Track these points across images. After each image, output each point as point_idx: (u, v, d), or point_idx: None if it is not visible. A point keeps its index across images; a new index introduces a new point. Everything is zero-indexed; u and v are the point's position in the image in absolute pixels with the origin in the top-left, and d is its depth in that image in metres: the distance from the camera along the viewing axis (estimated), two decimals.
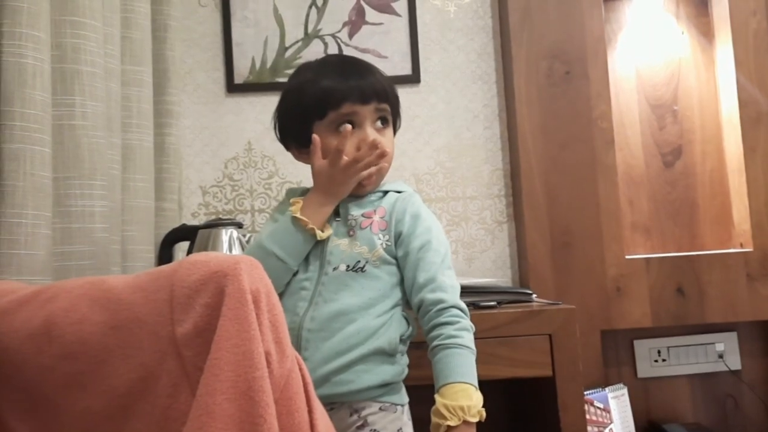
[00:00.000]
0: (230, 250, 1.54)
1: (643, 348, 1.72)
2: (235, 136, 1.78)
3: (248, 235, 1.65)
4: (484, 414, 0.92)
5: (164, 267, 0.67)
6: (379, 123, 1.07)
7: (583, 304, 1.64)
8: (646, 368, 1.72)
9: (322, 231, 1.03)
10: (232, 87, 1.77)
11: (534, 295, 1.46)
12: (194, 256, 0.65)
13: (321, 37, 1.78)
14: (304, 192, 1.11)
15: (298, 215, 1.02)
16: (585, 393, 1.53)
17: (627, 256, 1.70)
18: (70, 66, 1.17)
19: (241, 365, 0.56)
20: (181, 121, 1.69)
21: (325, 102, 1.03)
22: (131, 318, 0.66)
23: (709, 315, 1.67)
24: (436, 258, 1.01)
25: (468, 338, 0.97)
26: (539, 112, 1.72)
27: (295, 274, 1.04)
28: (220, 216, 1.73)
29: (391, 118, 1.10)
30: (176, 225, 1.56)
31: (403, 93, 1.79)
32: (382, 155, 1.04)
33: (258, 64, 1.77)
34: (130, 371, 0.65)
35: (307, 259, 1.04)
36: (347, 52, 1.77)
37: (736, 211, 1.76)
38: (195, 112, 1.78)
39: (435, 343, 0.96)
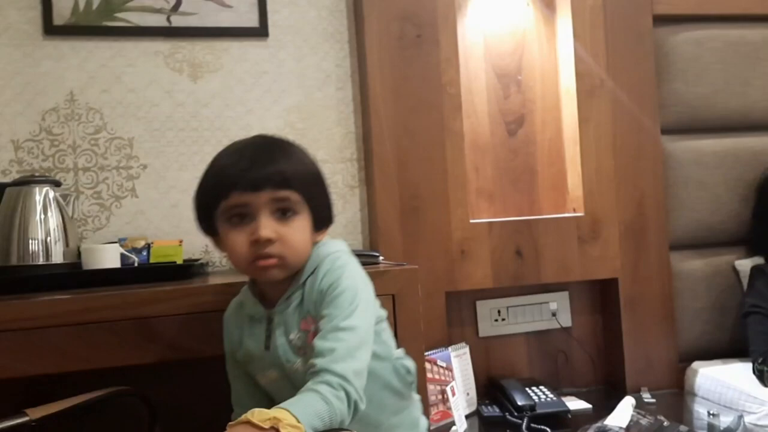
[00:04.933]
0: (45, 212, 1.36)
1: (484, 308, 1.78)
2: (54, 84, 1.57)
3: (70, 196, 1.48)
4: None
5: None
6: (279, 213, 0.94)
7: (430, 266, 1.66)
8: (487, 327, 1.78)
9: None
10: (51, 29, 1.56)
11: (381, 258, 1.45)
12: None
13: None
14: None
15: None
16: (429, 353, 1.56)
17: (471, 220, 1.74)
18: None
19: None
20: None
21: (216, 190, 0.94)
22: None
23: (544, 275, 1.76)
24: (326, 324, 0.91)
25: (326, 391, 0.83)
26: (391, 75, 1.70)
27: None
28: (36, 174, 1.52)
29: (306, 205, 0.97)
30: None
31: (250, 47, 1.70)
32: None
33: (82, 5, 1.57)
34: None
35: (278, 391, 0.98)
36: None
37: (570, 178, 1.87)
38: (5, 55, 1.55)
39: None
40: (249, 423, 0.76)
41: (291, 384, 0.95)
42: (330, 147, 1.75)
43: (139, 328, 1.16)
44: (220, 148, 1.71)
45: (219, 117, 1.66)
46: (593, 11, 1.81)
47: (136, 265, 1.43)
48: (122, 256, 1.42)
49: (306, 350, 0.94)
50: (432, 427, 1.48)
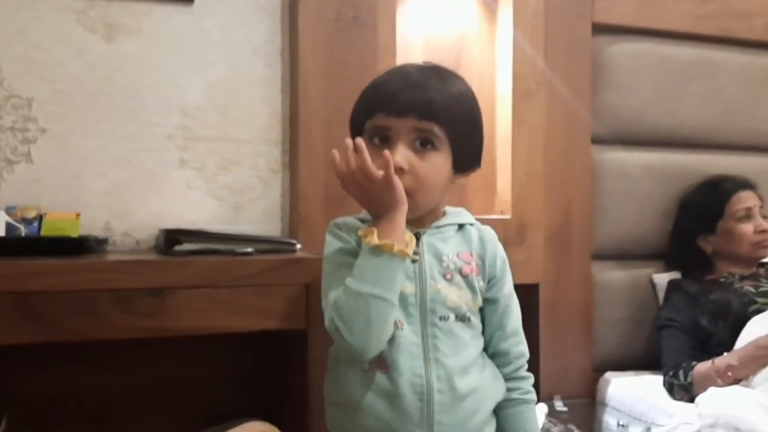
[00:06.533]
0: None
1: None
2: None
3: None
4: None
5: None
6: (418, 144, 0.93)
7: None
8: None
9: (407, 248, 0.90)
10: None
11: (298, 246, 1.36)
12: None
13: None
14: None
15: (380, 242, 0.88)
16: None
17: None
18: None
19: None
20: None
21: (365, 109, 0.96)
22: None
23: None
24: (517, 306, 1.03)
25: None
26: (324, 57, 1.61)
27: (397, 325, 0.93)
28: None
29: (448, 143, 0.94)
30: None
31: (174, 12, 1.57)
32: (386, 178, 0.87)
33: None
34: None
35: (404, 307, 0.93)
36: None
37: (500, 180, 1.84)
38: None
39: (515, 396, 1.01)
40: None
41: (420, 304, 0.94)
42: (253, 127, 1.64)
43: (18, 303, 1.04)
44: (132, 117, 1.59)
45: (133, 84, 1.53)
46: (535, 14, 1.78)
47: (23, 235, 1.28)
48: (8, 225, 1.28)
49: (453, 276, 0.96)
50: None
